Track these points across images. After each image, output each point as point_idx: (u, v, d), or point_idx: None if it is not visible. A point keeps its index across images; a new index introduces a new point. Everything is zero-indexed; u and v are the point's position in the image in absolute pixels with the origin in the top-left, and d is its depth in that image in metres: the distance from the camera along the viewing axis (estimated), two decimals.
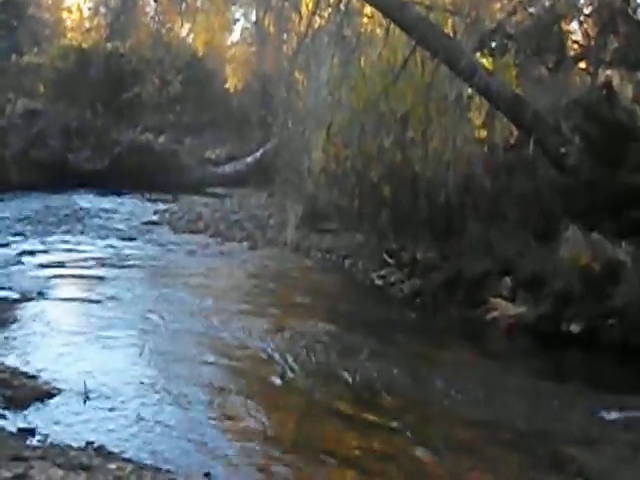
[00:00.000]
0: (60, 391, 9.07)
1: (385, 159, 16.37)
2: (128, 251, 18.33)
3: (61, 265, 16.44)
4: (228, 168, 31.83)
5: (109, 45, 35.60)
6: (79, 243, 19.15)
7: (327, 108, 17.09)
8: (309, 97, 17.78)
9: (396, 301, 14.51)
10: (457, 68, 14.44)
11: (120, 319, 12.59)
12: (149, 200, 26.96)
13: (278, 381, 9.96)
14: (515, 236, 13.54)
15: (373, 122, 16.20)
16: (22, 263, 16.37)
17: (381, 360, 10.80)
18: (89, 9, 42.71)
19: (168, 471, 7.16)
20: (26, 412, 8.48)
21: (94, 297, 13.83)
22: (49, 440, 7.73)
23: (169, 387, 9.48)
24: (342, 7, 16.48)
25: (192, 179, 30.27)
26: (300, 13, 17.83)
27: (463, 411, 9.15)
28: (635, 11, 15.68)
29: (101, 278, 15.40)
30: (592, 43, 16.09)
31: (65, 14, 42.39)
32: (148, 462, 7.33)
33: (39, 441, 7.71)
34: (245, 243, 19.87)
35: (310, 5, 17.62)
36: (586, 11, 16.81)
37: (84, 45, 35.64)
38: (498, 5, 18.08)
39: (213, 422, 8.59)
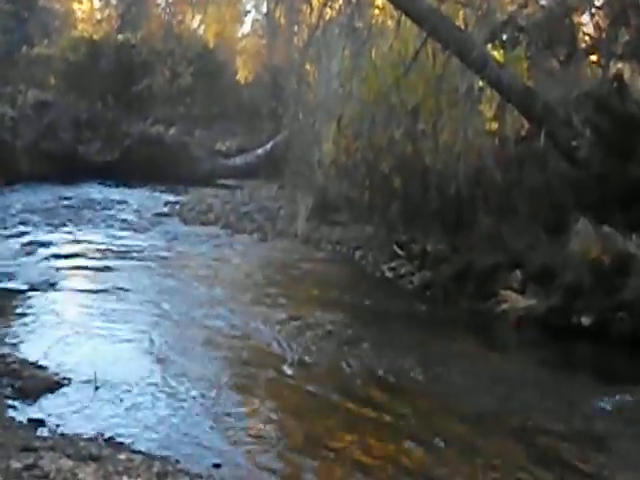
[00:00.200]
0: (70, 381, 9.11)
1: (396, 151, 16.37)
2: (138, 242, 18.34)
3: (71, 256, 16.46)
4: (239, 160, 31.78)
5: (120, 37, 35.52)
6: (89, 234, 19.17)
7: (338, 100, 17.09)
8: (320, 89, 17.79)
9: (406, 293, 14.51)
10: (468, 60, 14.42)
11: (130, 310, 12.63)
12: (159, 192, 26.96)
13: (285, 372, 10.00)
14: (525, 229, 13.53)
15: (384, 114, 16.18)
16: (32, 254, 16.39)
17: (390, 352, 10.80)
18: (100, 0, 42.70)
19: (177, 461, 7.17)
20: (36, 403, 8.51)
21: (104, 288, 13.85)
22: (59, 431, 7.75)
23: (178, 378, 9.49)
24: None
25: (202, 171, 30.23)
26: (311, 5, 17.75)
27: (469, 403, 9.15)
28: None
29: (111, 269, 15.43)
30: (603, 36, 16.05)
31: (76, 5, 42.28)
32: (157, 453, 7.34)
33: (49, 432, 7.73)
34: (255, 235, 19.88)
35: None
36: (597, 3, 16.76)
37: (95, 37, 35.57)
38: None
39: (222, 412, 8.59)
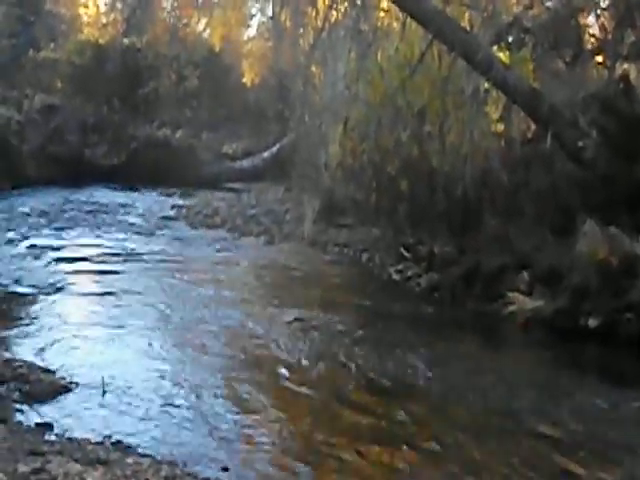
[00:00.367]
0: (77, 385, 9.09)
1: (402, 153, 16.39)
2: (145, 246, 18.37)
3: (78, 260, 16.48)
4: (245, 163, 31.79)
5: (126, 40, 35.53)
6: (95, 238, 19.22)
7: (344, 102, 17.11)
8: (326, 91, 17.80)
9: (413, 295, 14.50)
10: (474, 62, 14.42)
11: (136, 313, 12.63)
12: (166, 195, 26.99)
13: (292, 373, 9.97)
14: (532, 230, 13.52)
15: (390, 116, 16.20)
16: (38, 257, 16.42)
17: (397, 353, 10.80)
18: (105, 4, 42.78)
19: (185, 465, 7.16)
20: (43, 406, 8.49)
21: (110, 291, 13.85)
22: (66, 434, 7.73)
23: (186, 381, 9.49)
24: (358, 1, 16.52)
25: (209, 174, 30.22)
26: (317, 7, 17.76)
27: (477, 404, 9.14)
28: None
29: (117, 272, 15.45)
30: (609, 37, 16.02)
31: (82, 9, 42.41)
32: (165, 456, 7.33)
33: (56, 435, 7.72)
34: (262, 238, 19.90)
35: None
36: (603, 4, 16.74)
37: (101, 40, 35.57)
38: None
39: (229, 416, 8.58)
